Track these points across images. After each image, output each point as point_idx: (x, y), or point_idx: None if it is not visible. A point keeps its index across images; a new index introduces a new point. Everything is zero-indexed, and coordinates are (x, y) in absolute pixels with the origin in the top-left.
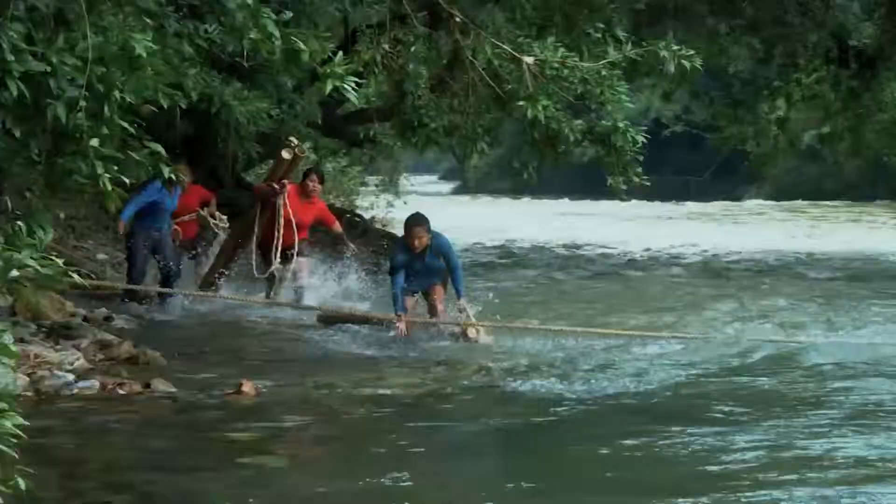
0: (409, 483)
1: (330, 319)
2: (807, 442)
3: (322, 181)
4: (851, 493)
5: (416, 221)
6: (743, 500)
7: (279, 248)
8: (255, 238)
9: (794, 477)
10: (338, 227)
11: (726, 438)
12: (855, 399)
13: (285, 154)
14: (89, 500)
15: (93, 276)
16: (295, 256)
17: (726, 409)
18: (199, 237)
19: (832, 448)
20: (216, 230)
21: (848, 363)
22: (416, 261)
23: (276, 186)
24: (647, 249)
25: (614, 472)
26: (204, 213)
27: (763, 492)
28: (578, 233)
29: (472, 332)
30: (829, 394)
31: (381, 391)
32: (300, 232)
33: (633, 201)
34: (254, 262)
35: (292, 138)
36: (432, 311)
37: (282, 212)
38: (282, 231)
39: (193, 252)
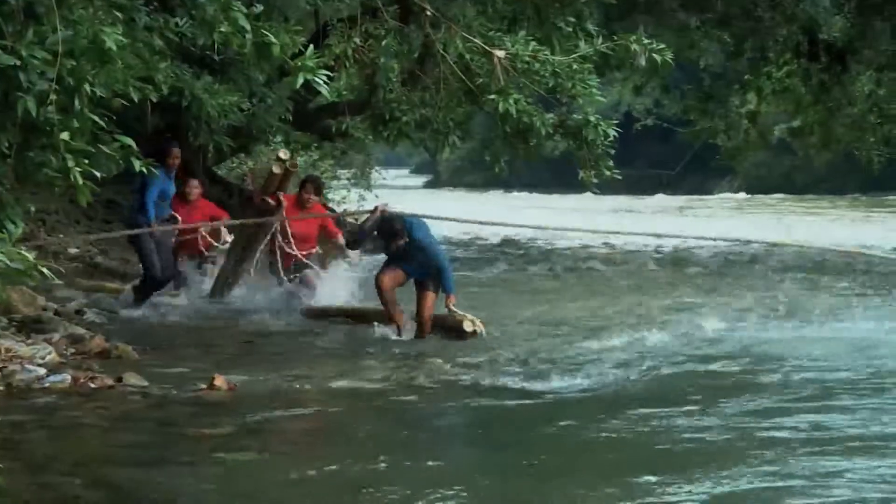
0: (384, 476)
1: (315, 314)
2: (772, 420)
3: (318, 192)
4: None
5: (392, 221)
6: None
7: (282, 267)
8: (257, 258)
9: (765, 453)
10: (340, 240)
11: (697, 422)
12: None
13: (275, 168)
14: (61, 495)
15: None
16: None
17: (695, 394)
18: (204, 255)
19: (793, 426)
20: (213, 253)
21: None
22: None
23: (270, 201)
24: (610, 243)
25: (591, 460)
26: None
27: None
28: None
29: (468, 326)
30: (788, 376)
31: (356, 385)
32: (307, 243)
33: (605, 195)
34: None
35: (282, 152)
36: (419, 317)
37: (280, 232)
38: (285, 251)
39: (200, 263)
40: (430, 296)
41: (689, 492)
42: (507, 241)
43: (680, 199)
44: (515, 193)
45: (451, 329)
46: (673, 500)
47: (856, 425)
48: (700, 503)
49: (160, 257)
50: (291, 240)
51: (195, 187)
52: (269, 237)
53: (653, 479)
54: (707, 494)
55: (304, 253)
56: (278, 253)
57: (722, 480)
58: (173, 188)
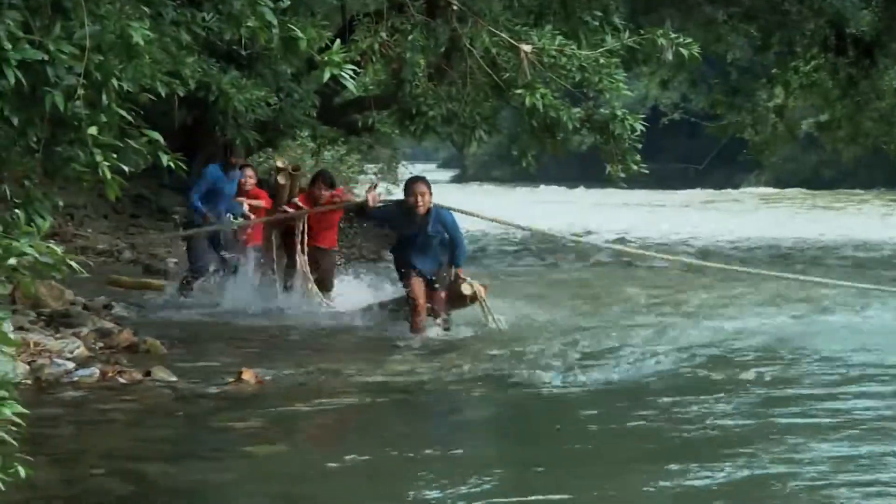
0: (412, 468)
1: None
2: (794, 408)
3: (331, 186)
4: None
5: (416, 179)
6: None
7: (304, 268)
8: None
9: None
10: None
11: (720, 410)
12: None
13: (281, 179)
14: (89, 488)
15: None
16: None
17: (718, 385)
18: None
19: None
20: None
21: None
22: (417, 228)
23: (289, 210)
24: (645, 237)
25: (612, 456)
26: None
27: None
28: (582, 221)
29: (466, 289)
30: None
31: (382, 378)
32: (331, 231)
33: (632, 189)
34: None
35: (280, 161)
36: (434, 314)
37: (298, 234)
38: (305, 250)
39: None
40: (440, 295)
41: (711, 477)
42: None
43: (710, 194)
44: (543, 188)
45: (454, 300)
46: (695, 484)
47: (876, 411)
48: (720, 486)
49: (211, 252)
50: (310, 235)
51: (251, 177)
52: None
53: (675, 466)
54: (727, 479)
55: (327, 245)
56: (298, 249)
57: (742, 466)
58: (230, 189)
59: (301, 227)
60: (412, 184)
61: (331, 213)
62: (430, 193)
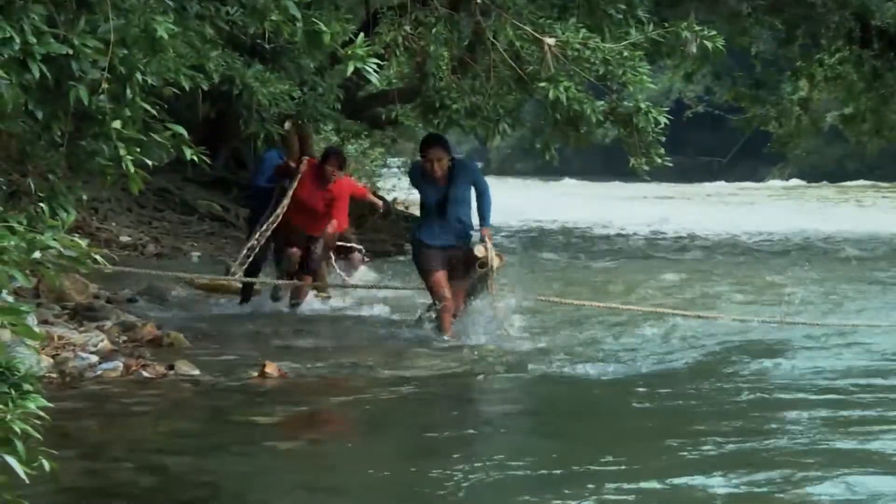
0: (435, 465)
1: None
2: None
3: (342, 166)
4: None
5: (430, 141)
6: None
7: (269, 230)
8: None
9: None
10: (370, 196)
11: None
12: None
13: (286, 125)
14: (112, 481)
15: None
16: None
17: (730, 375)
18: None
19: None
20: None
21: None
22: (436, 192)
23: (292, 164)
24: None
25: (638, 455)
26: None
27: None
28: (608, 214)
29: (479, 251)
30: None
31: (404, 373)
32: (319, 221)
33: (656, 182)
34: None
35: (287, 123)
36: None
37: (289, 192)
38: (284, 211)
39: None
40: (461, 294)
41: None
42: (564, 229)
43: (735, 187)
44: (567, 181)
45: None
46: (702, 456)
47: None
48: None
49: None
50: (290, 205)
51: (334, 166)
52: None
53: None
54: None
55: (309, 233)
56: (275, 215)
57: (747, 441)
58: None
59: (283, 201)
60: (426, 147)
61: (318, 200)
62: (449, 154)
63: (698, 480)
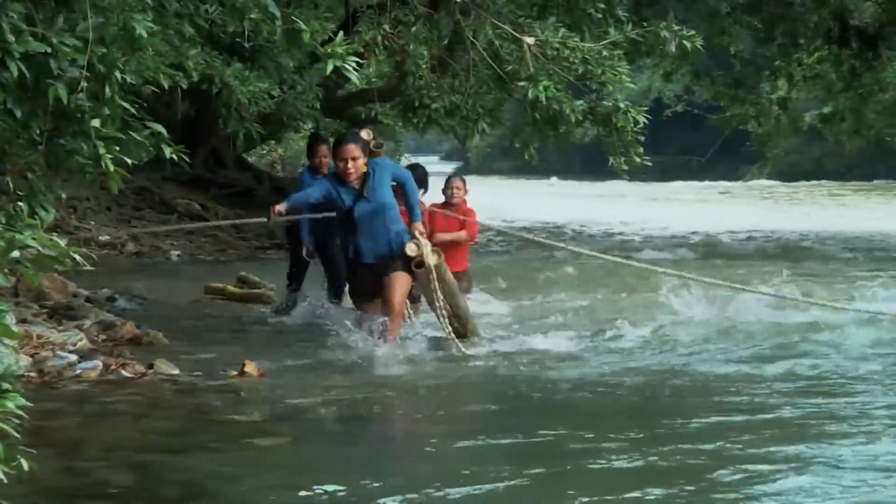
0: (414, 463)
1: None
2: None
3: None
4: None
5: (345, 138)
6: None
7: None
8: None
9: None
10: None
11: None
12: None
13: (365, 133)
14: (91, 481)
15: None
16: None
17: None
18: None
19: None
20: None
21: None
22: (349, 198)
23: None
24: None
25: (614, 459)
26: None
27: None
28: (590, 214)
29: (410, 250)
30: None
31: (385, 371)
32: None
33: (635, 181)
34: None
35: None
36: (387, 308)
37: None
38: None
39: None
40: (399, 276)
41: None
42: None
43: (714, 186)
44: (545, 180)
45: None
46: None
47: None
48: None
49: (329, 255)
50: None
51: (458, 188)
52: None
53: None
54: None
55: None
56: None
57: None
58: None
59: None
60: (339, 147)
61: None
62: (365, 154)
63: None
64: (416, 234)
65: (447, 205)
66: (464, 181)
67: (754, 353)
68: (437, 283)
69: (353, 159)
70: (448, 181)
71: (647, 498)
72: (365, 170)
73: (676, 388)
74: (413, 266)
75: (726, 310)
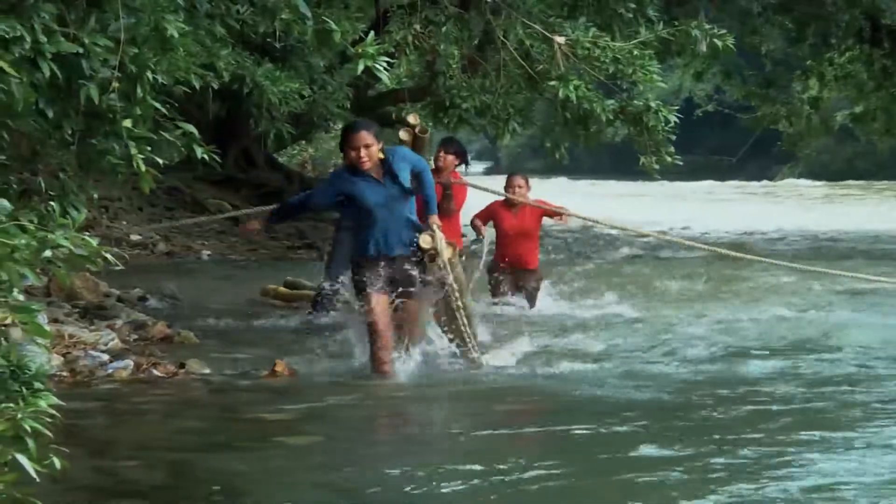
0: (444, 462)
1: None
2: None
3: (462, 158)
4: None
5: (355, 126)
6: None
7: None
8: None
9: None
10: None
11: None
12: None
13: (402, 135)
14: (122, 479)
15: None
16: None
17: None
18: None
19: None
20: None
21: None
22: (368, 189)
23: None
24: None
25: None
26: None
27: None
28: (624, 214)
29: (424, 241)
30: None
31: (416, 370)
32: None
33: (665, 181)
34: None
35: (411, 116)
36: (408, 328)
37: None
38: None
39: None
40: (414, 308)
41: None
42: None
43: (740, 186)
44: (576, 179)
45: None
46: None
47: None
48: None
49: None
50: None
51: (520, 186)
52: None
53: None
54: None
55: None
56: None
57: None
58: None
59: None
60: (350, 134)
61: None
62: (379, 141)
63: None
64: (433, 226)
65: (508, 203)
66: (526, 179)
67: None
68: (451, 277)
69: (367, 147)
70: (510, 179)
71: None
72: (381, 157)
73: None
74: (426, 258)
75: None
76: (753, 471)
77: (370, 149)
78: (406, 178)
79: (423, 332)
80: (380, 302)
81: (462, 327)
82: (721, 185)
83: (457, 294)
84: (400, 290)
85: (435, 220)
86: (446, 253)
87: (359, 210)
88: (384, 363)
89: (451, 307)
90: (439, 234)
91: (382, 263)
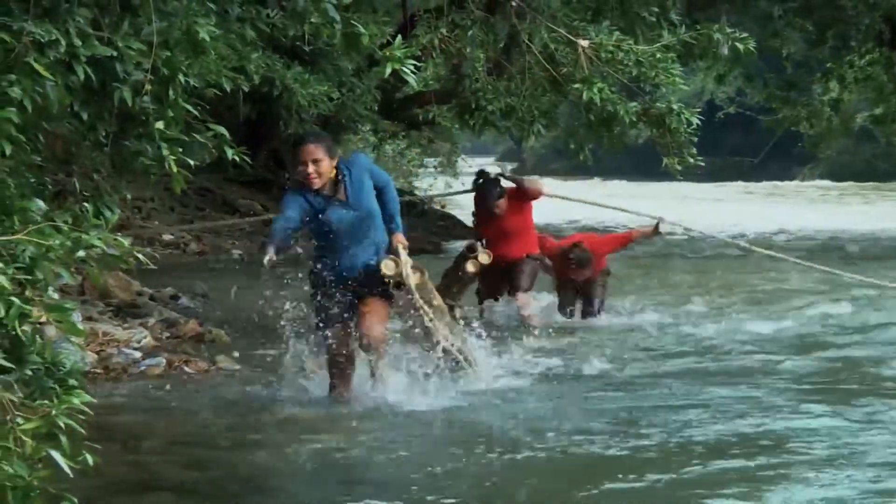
0: (470, 459)
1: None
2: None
3: (501, 194)
4: None
5: (304, 139)
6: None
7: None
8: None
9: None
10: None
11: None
12: None
13: (470, 267)
14: (154, 475)
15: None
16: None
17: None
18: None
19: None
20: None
21: None
22: (331, 209)
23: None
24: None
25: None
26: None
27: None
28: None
29: (386, 267)
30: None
31: (448, 368)
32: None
33: (687, 182)
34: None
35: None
36: (367, 341)
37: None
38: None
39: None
40: (376, 302)
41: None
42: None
43: (762, 187)
44: (597, 180)
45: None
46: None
47: None
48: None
49: None
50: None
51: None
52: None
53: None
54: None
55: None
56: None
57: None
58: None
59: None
60: (298, 148)
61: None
62: (331, 154)
63: None
64: (400, 247)
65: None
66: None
67: None
68: (425, 307)
69: (316, 162)
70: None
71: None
72: (333, 173)
73: None
74: (391, 287)
75: None
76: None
77: (320, 164)
78: (367, 195)
79: (385, 335)
80: (339, 334)
81: (454, 352)
82: (746, 185)
83: (434, 325)
84: (364, 290)
85: (400, 239)
86: (413, 279)
87: (318, 231)
88: (341, 393)
89: (432, 337)
90: (405, 258)
91: (343, 289)
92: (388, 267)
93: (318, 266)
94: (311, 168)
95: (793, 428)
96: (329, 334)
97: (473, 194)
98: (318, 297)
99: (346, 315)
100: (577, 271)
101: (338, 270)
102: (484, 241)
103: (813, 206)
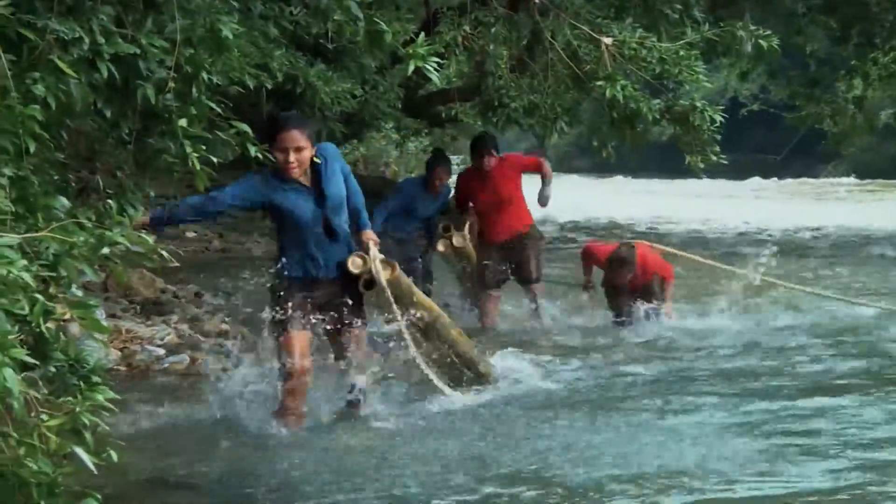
0: (508, 469)
1: None
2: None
3: (495, 151)
4: None
5: (284, 123)
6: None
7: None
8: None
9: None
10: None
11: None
12: None
13: (440, 247)
14: (177, 472)
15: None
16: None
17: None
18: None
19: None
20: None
21: None
22: (300, 201)
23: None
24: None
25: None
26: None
27: None
28: (670, 212)
29: (353, 264)
30: None
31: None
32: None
33: (711, 179)
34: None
35: (454, 234)
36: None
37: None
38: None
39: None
40: (356, 330)
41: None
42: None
43: (786, 184)
44: (619, 178)
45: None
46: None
47: None
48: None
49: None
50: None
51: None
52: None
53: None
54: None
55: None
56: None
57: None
58: (424, 210)
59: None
60: (277, 133)
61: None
62: (312, 142)
63: None
64: (371, 244)
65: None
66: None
67: None
68: (395, 306)
69: (298, 150)
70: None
71: None
72: (316, 161)
73: None
74: (361, 287)
75: None
76: None
77: (301, 153)
78: (340, 184)
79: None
80: (300, 341)
81: (427, 367)
82: (766, 182)
83: (409, 332)
84: (338, 315)
85: (370, 236)
86: (383, 275)
87: (285, 224)
88: (292, 413)
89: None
90: (374, 253)
91: (311, 290)
92: (355, 264)
93: (286, 261)
94: (292, 157)
95: None
96: (292, 339)
97: (463, 169)
98: (277, 303)
99: (312, 319)
100: (616, 272)
101: (303, 268)
102: (472, 223)
103: (841, 204)
